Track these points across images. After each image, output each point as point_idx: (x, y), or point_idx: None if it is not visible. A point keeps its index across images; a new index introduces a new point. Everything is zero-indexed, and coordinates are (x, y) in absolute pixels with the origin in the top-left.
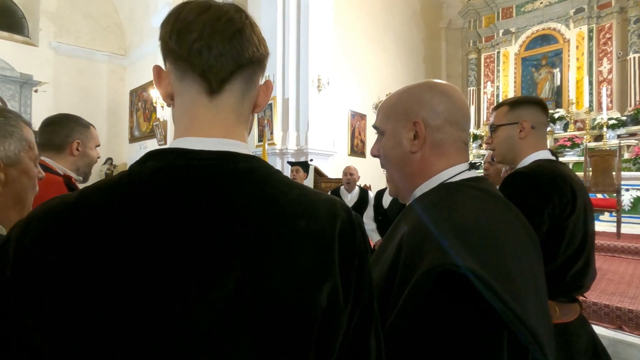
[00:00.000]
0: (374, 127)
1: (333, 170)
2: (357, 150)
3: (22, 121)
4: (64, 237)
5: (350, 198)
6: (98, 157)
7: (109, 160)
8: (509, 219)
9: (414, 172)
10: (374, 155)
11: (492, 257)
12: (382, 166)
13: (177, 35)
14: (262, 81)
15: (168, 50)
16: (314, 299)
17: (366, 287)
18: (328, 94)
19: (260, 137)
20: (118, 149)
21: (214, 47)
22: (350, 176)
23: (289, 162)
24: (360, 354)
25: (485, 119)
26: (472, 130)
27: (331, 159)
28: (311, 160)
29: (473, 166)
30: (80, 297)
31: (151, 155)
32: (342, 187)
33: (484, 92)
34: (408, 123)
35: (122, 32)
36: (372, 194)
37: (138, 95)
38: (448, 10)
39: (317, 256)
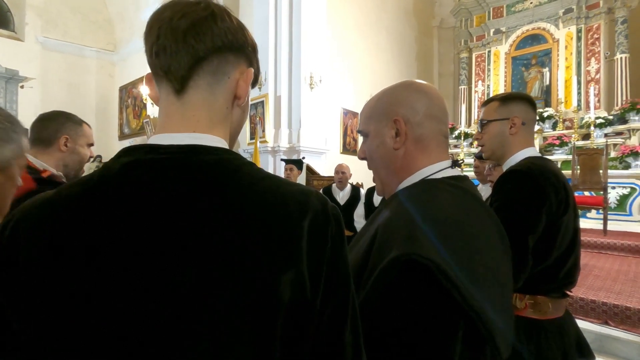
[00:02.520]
0: (358, 131)
1: (325, 168)
2: (349, 148)
3: (21, 129)
4: (38, 232)
5: (342, 196)
6: (91, 157)
7: (98, 157)
8: (481, 217)
9: (399, 167)
10: (361, 158)
11: (458, 250)
12: (369, 167)
13: (144, 39)
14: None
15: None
16: (275, 290)
17: (341, 281)
18: (320, 92)
19: (252, 135)
20: (107, 147)
21: (167, 46)
22: (342, 174)
23: (282, 160)
24: (334, 350)
25: (476, 117)
26: (463, 128)
27: (323, 156)
28: (303, 158)
29: (455, 163)
30: (48, 291)
31: (125, 152)
32: (334, 185)
33: (475, 91)
34: (389, 122)
35: (112, 27)
36: (363, 192)
37: (128, 92)
38: (440, 8)
39: (280, 245)
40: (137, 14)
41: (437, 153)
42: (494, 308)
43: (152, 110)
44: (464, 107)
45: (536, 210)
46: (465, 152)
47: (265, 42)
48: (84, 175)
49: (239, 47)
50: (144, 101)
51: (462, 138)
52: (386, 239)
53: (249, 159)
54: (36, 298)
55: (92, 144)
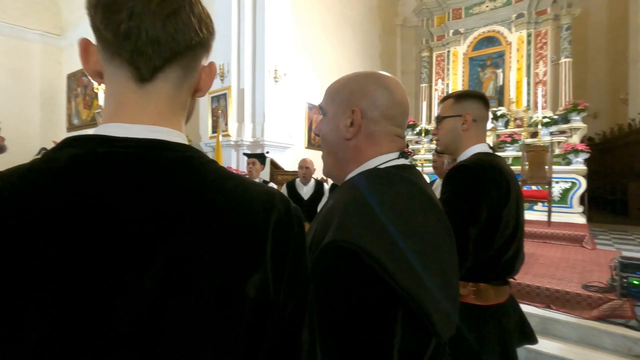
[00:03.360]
0: (319, 106)
1: (290, 162)
2: (314, 143)
3: None
4: None
5: (306, 190)
6: (5, 149)
7: (43, 149)
8: (420, 203)
9: (347, 158)
10: (316, 134)
11: (392, 236)
12: (322, 146)
13: (103, 11)
14: (205, 62)
15: (94, 26)
16: (241, 291)
17: (301, 280)
18: (285, 86)
19: (214, 129)
20: (54, 138)
21: (143, 30)
22: (306, 169)
23: (245, 154)
24: (291, 346)
25: (436, 114)
26: (424, 125)
27: (288, 151)
28: (267, 152)
29: (403, 155)
30: None
31: (69, 142)
32: (297, 180)
33: (435, 89)
34: (347, 110)
35: (58, 9)
36: (327, 187)
37: (77, 80)
38: (403, 7)
39: (246, 248)
40: None
41: (388, 148)
42: (432, 291)
43: None
44: (424, 105)
45: (477, 203)
46: (426, 148)
47: (227, 31)
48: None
49: (209, 41)
50: (96, 90)
51: (423, 134)
52: (323, 227)
53: (211, 153)
54: None
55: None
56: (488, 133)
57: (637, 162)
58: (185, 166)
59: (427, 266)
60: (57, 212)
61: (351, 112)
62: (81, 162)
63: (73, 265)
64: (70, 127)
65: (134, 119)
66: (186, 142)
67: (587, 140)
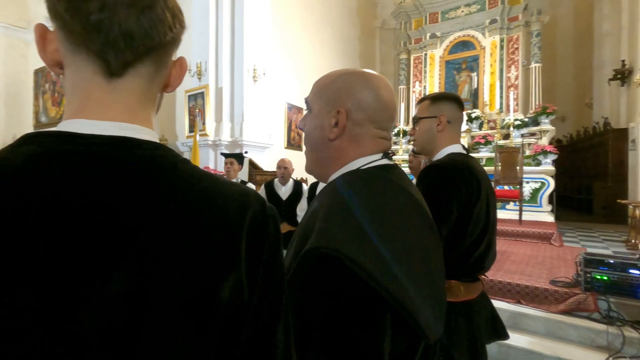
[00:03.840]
0: (305, 100)
1: (269, 163)
2: (293, 143)
3: None
4: None
5: (284, 191)
6: None
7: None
8: (404, 204)
9: (329, 157)
10: (299, 128)
11: (376, 239)
12: (304, 142)
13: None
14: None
15: (56, 14)
16: (215, 293)
17: (276, 281)
18: (264, 85)
19: (192, 128)
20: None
21: (116, 24)
22: (284, 169)
23: (222, 154)
24: (267, 347)
25: (413, 115)
26: (402, 126)
27: (267, 151)
28: (246, 152)
29: (387, 155)
30: None
31: (28, 139)
32: (276, 180)
33: (413, 91)
34: (333, 109)
35: (24, 1)
36: (306, 187)
37: (45, 76)
38: (382, 10)
39: (221, 249)
40: None
41: (372, 150)
42: (419, 294)
43: None
44: (403, 106)
45: (448, 201)
46: (404, 149)
47: (205, 29)
48: None
49: (180, 36)
50: None
51: (401, 135)
52: (307, 231)
53: (188, 153)
54: None
55: None
56: (463, 134)
57: (601, 163)
58: (156, 165)
59: (412, 268)
60: (10, 217)
61: (336, 112)
62: (41, 161)
63: (30, 273)
64: (38, 124)
65: (101, 115)
66: (157, 140)
67: (556, 142)
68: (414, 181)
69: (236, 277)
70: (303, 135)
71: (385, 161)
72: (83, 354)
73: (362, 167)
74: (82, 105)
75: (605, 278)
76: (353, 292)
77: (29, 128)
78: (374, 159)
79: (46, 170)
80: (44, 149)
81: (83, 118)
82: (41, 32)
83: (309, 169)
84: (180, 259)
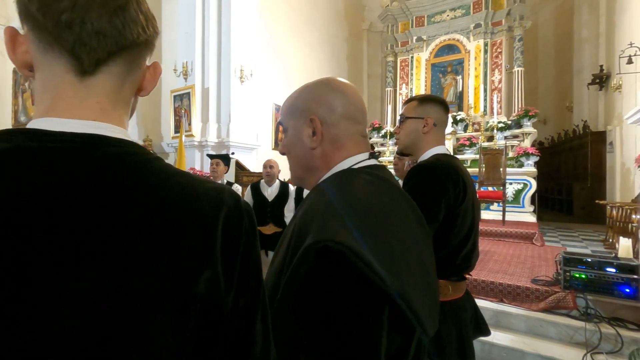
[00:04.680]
0: (279, 123)
1: (256, 164)
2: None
3: None
4: None
5: (270, 192)
6: None
7: None
8: (398, 202)
9: (316, 167)
10: (282, 153)
11: (375, 235)
12: (289, 161)
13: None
14: (149, 62)
15: (27, 14)
16: (190, 289)
17: (253, 274)
18: (251, 86)
19: (177, 129)
20: None
21: (88, 22)
22: (270, 169)
23: (208, 155)
24: (246, 339)
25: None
26: (389, 128)
27: (254, 152)
28: (232, 153)
29: (373, 155)
30: None
31: None
32: (262, 181)
33: (400, 93)
34: (306, 120)
35: None
36: (292, 188)
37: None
38: (369, 13)
39: (195, 245)
40: None
41: (355, 149)
42: (416, 289)
43: None
44: (389, 108)
45: (436, 201)
46: (391, 150)
47: (191, 29)
48: None
49: (153, 39)
50: None
51: (388, 137)
52: (301, 231)
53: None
54: None
55: None
56: (449, 136)
57: (581, 165)
58: (127, 162)
59: (410, 264)
60: None
61: (309, 120)
62: (7, 158)
63: (4, 266)
64: (17, 124)
65: (72, 113)
66: (129, 139)
67: (538, 144)
68: (400, 182)
69: (212, 273)
70: (287, 158)
71: (374, 161)
72: (54, 354)
73: (353, 166)
74: (52, 104)
75: (583, 276)
76: (355, 285)
77: (7, 127)
78: (361, 159)
79: (11, 167)
80: (10, 146)
81: (54, 116)
82: (11, 34)
83: (295, 182)
84: (153, 256)
